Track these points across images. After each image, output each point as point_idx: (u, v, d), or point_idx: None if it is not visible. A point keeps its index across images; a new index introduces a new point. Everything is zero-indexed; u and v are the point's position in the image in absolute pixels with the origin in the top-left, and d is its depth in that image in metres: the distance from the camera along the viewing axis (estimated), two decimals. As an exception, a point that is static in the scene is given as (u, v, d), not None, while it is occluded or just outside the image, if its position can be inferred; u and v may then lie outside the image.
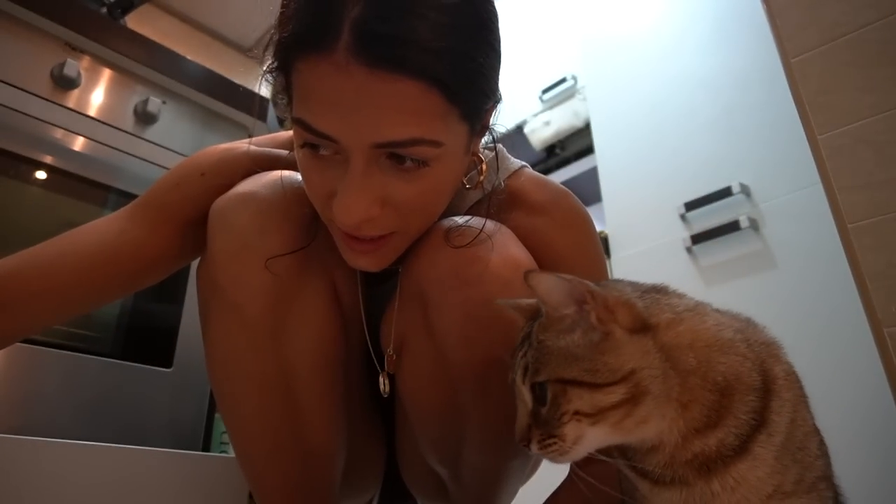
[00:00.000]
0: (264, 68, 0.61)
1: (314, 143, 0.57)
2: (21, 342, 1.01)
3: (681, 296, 0.50)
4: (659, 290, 0.50)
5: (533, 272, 0.46)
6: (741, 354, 0.46)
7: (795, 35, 1.16)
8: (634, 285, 0.50)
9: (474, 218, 0.66)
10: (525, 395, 0.47)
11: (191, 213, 0.72)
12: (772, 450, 0.44)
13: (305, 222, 0.67)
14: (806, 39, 1.14)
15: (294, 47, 0.54)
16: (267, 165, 0.72)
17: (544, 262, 0.67)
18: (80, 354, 1.05)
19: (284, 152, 0.76)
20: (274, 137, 0.83)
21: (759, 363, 0.46)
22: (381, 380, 0.74)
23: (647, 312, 0.46)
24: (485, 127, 0.63)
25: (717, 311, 0.50)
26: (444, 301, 0.62)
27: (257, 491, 0.76)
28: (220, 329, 0.67)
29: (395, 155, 0.55)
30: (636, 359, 0.44)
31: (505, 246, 0.63)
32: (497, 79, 0.60)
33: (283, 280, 0.66)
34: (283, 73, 0.58)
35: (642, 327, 0.45)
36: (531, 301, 0.53)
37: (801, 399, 0.47)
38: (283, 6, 0.57)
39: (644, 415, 0.44)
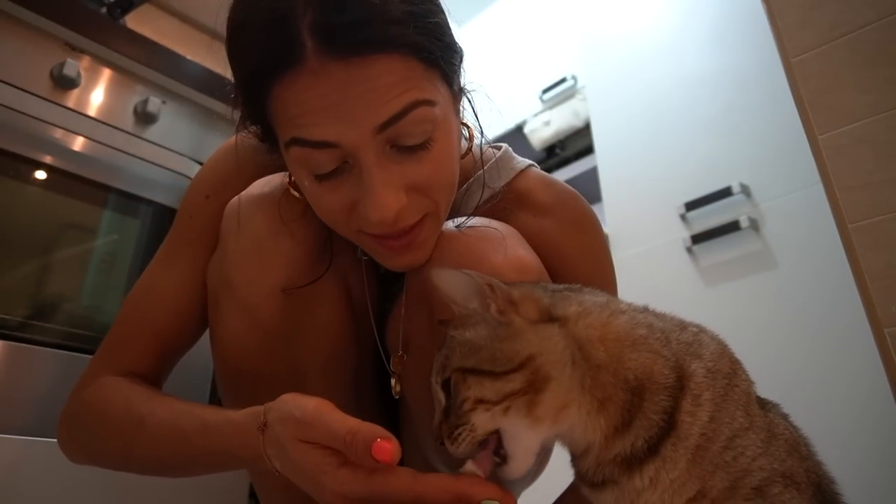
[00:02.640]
0: (238, 121, 0.62)
1: (319, 171, 0.56)
2: (20, 342, 1.01)
3: (596, 294, 0.51)
4: (572, 289, 0.51)
5: (438, 270, 0.48)
6: (654, 351, 0.46)
7: (795, 35, 1.15)
8: (546, 287, 0.52)
9: (481, 219, 0.66)
10: (439, 393, 0.48)
11: (215, 234, 0.72)
12: (683, 452, 0.44)
13: (320, 223, 0.67)
14: (806, 39, 1.14)
15: (265, 76, 0.54)
16: (269, 166, 0.72)
17: (551, 263, 0.67)
18: (80, 354, 1.05)
19: None
20: None
21: (675, 360, 0.46)
22: (392, 381, 0.73)
23: (553, 306, 0.48)
24: (461, 89, 0.64)
25: (643, 311, 0.50)
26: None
27: (261, 490, 0.76)
28: (232, 329, 0.67)
29: (399, 142, 0.55)
30: (534, 345, 0.45)
31: (513, 248, 0.63)
32: (453, 34, 0.61)
33: (299, 274, 0.65)
34: (258, 113, 0.58)
35: (548, 319, 0.47)
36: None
37: (729, 398, 0.46)
38: (231, 50, 0.57)
39: (556, 402, 0.44)
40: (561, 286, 0.52)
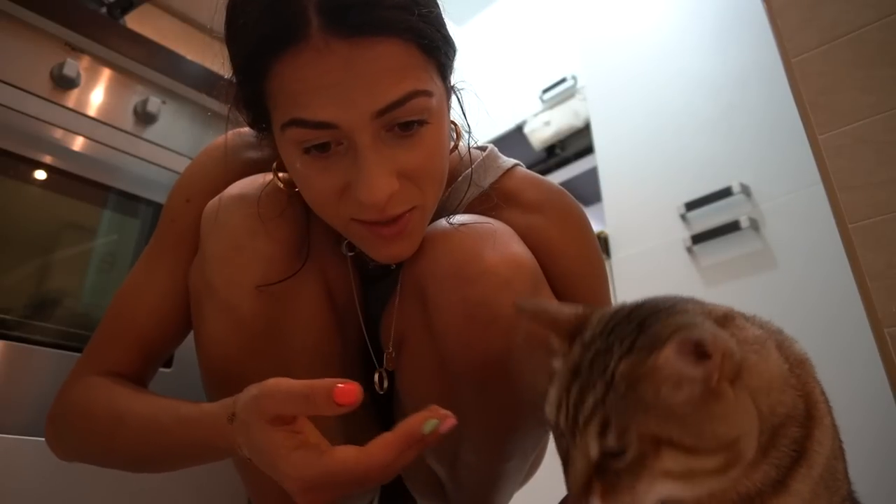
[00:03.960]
0: (232, 100, 0.62)
1: (311, 145, 0.57)
2: (19, 342, 1.01)
3: (742, 323, 0.44)
4: (727, 320, 0.43)
5: (666, 349, 0.38)
6: (792, 385, 0.42)
7: (795, 35, 1.15)
8: (710, 313, 0.43)
9: (474, 216, 0.66)
10: (591, 448, 0.40)
11: (196, 237, 0.72)
12: (809, 483, 0.41)
13: (298, 222, 0.67)
14: (806, 39, 1.14)
15: (266, 52, 0.54)
16: (248, 168, 0.73)
17: (542, 260, 0.67)
18: (79, 354, 1.05)
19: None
20: None
21: (802, 387, 0.43)
22: (376, 376, 0.73)
23: (740, 355, 0.40)
24: (452, 87, 0.65)
25: (760, 325, 0.46)
26: (444, 299, 0.62)
27: (253, 492, 0.76)
28: (214, 330, 0.67)
29: (394, 126, 0.56)
30: (742, 424, 0.39)
31: (506, 244, 0.63)
32: (449, 30, 0.62)
33: (278, 271, 0.65)
34: (254, 94, 0.58)
35: (737, 375, 0.40)
36: (566, 311, 0.47)
37: (834, 420, 0.44)
38: (232, 28, 0.58)
39: (726, 480, 0.39)
40: (717, 310, 0.44)
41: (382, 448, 0.49)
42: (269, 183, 0.68)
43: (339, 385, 0.47)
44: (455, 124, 0.70)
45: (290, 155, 0.60)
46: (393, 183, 0.57)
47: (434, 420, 0.48)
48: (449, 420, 0.48)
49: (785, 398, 0.41)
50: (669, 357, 0.38)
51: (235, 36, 0.58)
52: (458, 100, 0.67)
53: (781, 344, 0.45)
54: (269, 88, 0.56)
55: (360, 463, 0.48)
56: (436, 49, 0.57)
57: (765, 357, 0.42)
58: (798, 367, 0.44)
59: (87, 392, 0.68)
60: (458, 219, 0.66)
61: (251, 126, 0.63)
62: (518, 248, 0.64)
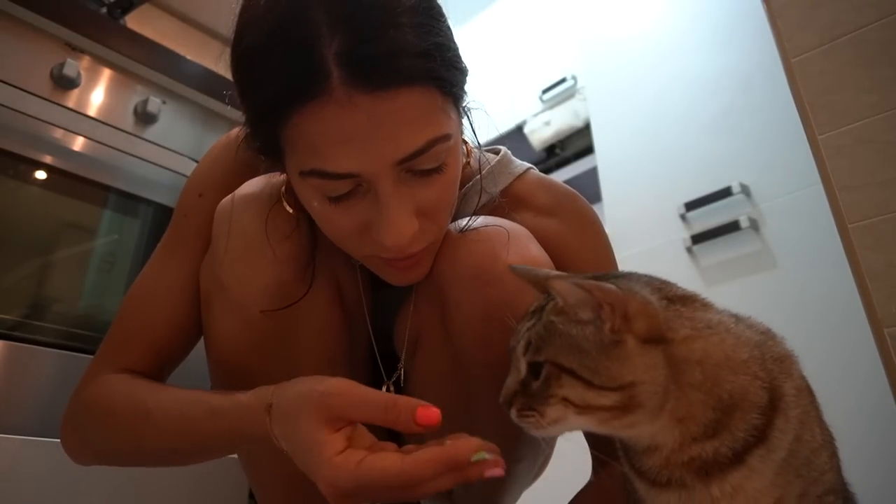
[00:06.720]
0: (241, 139, 0.60)
1: (333, 196, 0.56)
2: (20, 342, 1.01)
3: (707, 307, 0.48)
4: (685, 302, 0.47)
5: (555, 280, 0.45)
6: (752, 374, 0.44)
7: (795, 35, 1.15)
8: (662, 289, 0.47)
9: (490, 217, 0.66)
10: (521, 365, 0.47)
11: (209, 232, 0.71)
12: (771, 465, 0.43)
13: (308, 234, 0.67)
14: (806, 39, 1.14)
15: (285, 105, 0.52)
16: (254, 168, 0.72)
17: (557, 262, 0.67)
18: (80, 354, 1.05)
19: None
20: None
21: (770, 381, 0.45)
22: (384, 389, 0.73)
23: (666, 325, 0.44)
24: (463, 108, 0.64)
25: (740, 321, 0.48)
26: (464, 300, 0.62)
27: (259, 489, 0.76)
28: (224, 329, 0.66)
29: (413, 169, 0.56)
30: (639, 372, 0.43)
31: (525, 247, 0.63)
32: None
33: (288, 280, 0.65)
34: (269, 135, 0.56)
35: (658, 339, 0.44)
36: (550, 271, 0.52)
37: (810, 414, 0.46)
38: (243, 74, 0.56)
39: (631, 422, 0.44)
40: (678, 291, 0.48)
41: (427, 460, 0.47)
42: (278, 188, 0.67)
43: (423, 406, 0.48)
44: (465, 142, 0.69)
45: (308, 196, 0.59)
46: (414, 223, 0.57)
47: (485, 453, 0.47)
48: (497, 468, 0.47)
49: (735, 378, 0.44)
50: (562, 289, 0.44)
51: (249, 82, 0.56)
52: (469, 121, 0.66)
53: (763, 343, 0.47)
54: (287, 135, 0.55)
55: (402, 473, 0.47)
56: (454, 87, 0.56)
57: (708, 339, 0.45)
58: (773, 364, 0.46)
59: (106, 389, 0.66)
60: (476, 220, 0.66)
61: (260, 154, 0.61)
62: (535, 250, 0.64)
